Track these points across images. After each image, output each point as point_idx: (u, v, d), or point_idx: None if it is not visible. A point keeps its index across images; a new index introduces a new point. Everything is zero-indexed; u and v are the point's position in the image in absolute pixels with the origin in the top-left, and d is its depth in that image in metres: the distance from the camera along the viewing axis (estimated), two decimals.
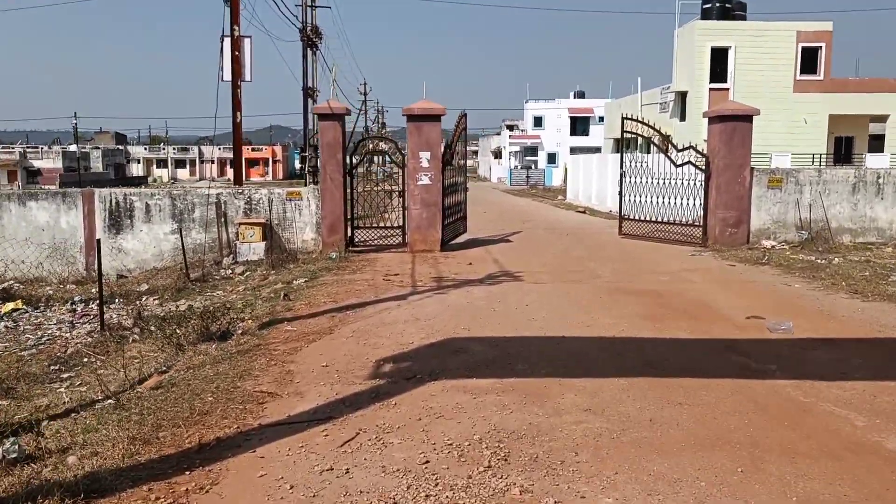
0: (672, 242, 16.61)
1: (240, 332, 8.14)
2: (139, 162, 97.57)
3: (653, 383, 5.97)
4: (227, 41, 15.52)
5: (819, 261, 13.58)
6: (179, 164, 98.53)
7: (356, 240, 15.78)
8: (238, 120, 15.77)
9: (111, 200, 15.19)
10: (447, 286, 11.19)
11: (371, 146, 15.65)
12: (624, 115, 18.08)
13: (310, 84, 26.90)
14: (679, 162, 16.49)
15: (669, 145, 16.79)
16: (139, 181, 70.20)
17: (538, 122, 67.20)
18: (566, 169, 47.06)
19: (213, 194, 15.32)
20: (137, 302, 12.41)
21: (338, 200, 15.10)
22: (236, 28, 15.58)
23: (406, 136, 15.52)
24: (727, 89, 28.79)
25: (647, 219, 17.54)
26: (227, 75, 15.61)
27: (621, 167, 17.97)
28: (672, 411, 5.33)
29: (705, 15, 30.71)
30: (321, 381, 6.15)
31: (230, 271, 14.37)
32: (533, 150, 66.35)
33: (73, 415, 6.08)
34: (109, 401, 5.86)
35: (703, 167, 16.09)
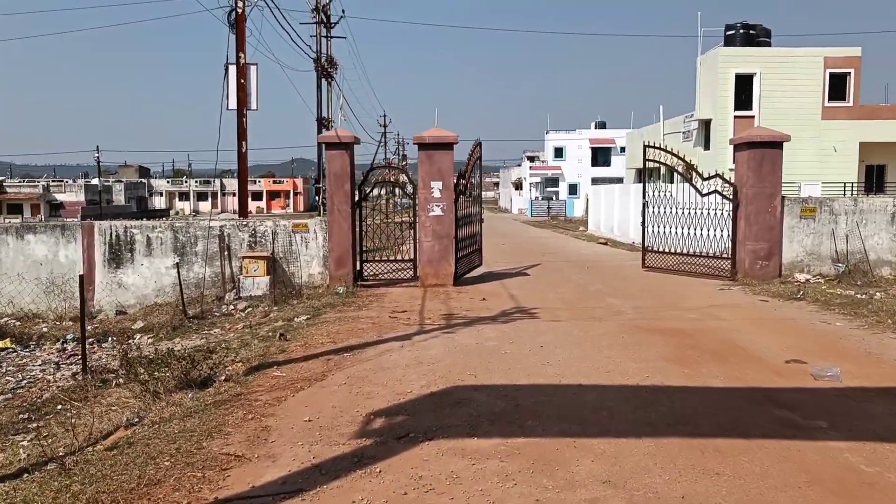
0: (699, 276, 15.71)
1: (223, 378, 7.39)
2: (161, 195, 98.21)
3: (684, 445, 5.11)
4: (233, 69, 15.00)
5: (859, 296, 12.61)
6: (201, 196, 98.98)
7: (365, 274, 15.05)
8: (244, 150, 15.19)
9: (111, 234, 14.62)
10: (457, 324, 10.39)
11: (381, 176, 15.00)
12: (646, 143, 17.29)
13: (325, 115, 26.47)
14: (705, 191, 15.64)
15: (694, 174, 15.96)
16: (161, 214, 70.38)
17: (559, 152, 66.55)
18: (587, 200, 46.29)
19: (217, 227, 14.71)
20: (131, 341, 11.75)
21: (345, 233, 14.41)
22: (242, 55, 15.07)
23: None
24: (752, 117, 27.93)
25: (672, 251, 16.67)
26: (233, 104, 15.08)
27: (644, 197, 17.15)
28: (708, 484, 4.47)
29: (729, 41, 29.97)
30: (300, 440, 5.37)
31: (232, 307, 13.69)
32: (554, 181, 65.61)
33: (26, 475, 5.37)
34: (55, 463, 5.10)
35: (731, 196, 15.24)
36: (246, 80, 15.21)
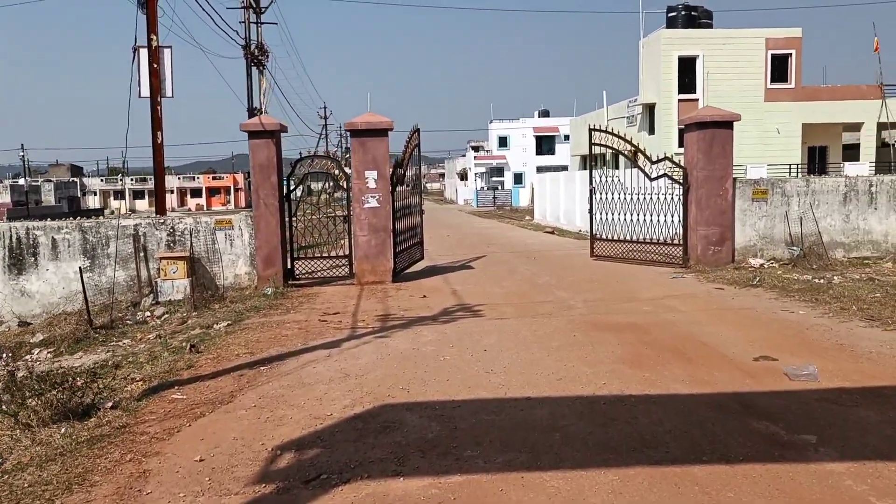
0: (650, 264, 15.01)
1: (109, 405, 6.25)
2: (95, 194, 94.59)
3: (655, 476, 4.22)
4: (144, 52, 13.67)
5: (817, 280, 12.01)
6: (138, 195, 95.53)
7: (297, 272, 13.91)
8: (159, 141, 13.87)
9: (11, 236, 13.19)
10: (393, 326, 9.40)
11: (312, 167, 13.87)
12: (591, 127, 16.53)
13: (256, 105, 25.06)
14: (654, 175, 14.94)
15: (642, 157, 15.23)
16: (94, 213, 67.45)
17: (503, 142, 65.95)
18: (533, 189, 45.69)
19: (130, 225, 13.39)
20: (28, 357, 10.44)
21: (273, 229, 13.26)
22: (154, 37, 13.75)
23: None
24: (696, 100, 27.52)
25: (622, 238, 15.95)
26: (145, 91, 13.74)
27: (591, 183, 16.39)
28: None
29: (671, 23, 29.52)
30: (184, 489, 4.31)
31: (148, 314, 12.43)
32: (499, 171, 65.02)
33: None
34: None
35: (681, 180, 14.56)
36: (159, 65, 13.90)
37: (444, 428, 5.23)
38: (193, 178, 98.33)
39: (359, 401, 6.00)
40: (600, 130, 16.16)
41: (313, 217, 14.39)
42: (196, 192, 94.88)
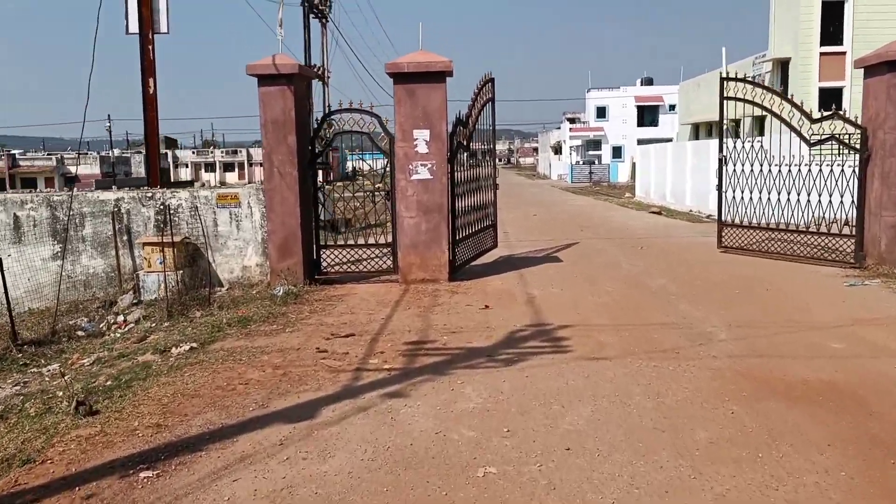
0: (803, 260, 10.92)
1: None
2: (187, 166, 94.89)
3: None
4: None
5: None
6: (228, 167, 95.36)
7: (325, 264, 10.53)
8: (151, 90, 10.69)
9: None
10: (421, 370, 5.85)
11: (344, 123, 10.38)
12: (724, 76, 12.40)
13: (316, 63, 21.78)
14: (815, 139, 10.74)
15: (798, 112, 11.04)
16: (184, 185, 66.78)
17: (601, 112, 60.85)
18: (634, 163, 41.07)
19: (111, 200, 10.31)
20: None
21: (291, 207, 9.89)
22: None
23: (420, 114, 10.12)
24: (843, 53, 22.51)
25: (760, 224, 11.87)
26: (134, 26, 10.54)
27: (721, 151, 12.32)
28: None
29: None
30: None
31: (122, 318, 9.33)
32: (596, 144, 60.14)
33: None
34: None
35: (858, 145, 10.34)
36: None
37: None
38: (236, 153, 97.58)
39: None
40: (737, 79, 12.03)
41: (345, 192, 10.85)
42: (229, 168, 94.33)
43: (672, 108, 56.09)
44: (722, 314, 7.68)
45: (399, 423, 4.65)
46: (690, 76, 36.50)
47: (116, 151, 76.10)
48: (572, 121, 69.14)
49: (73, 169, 68.03)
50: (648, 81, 62.92)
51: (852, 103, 18.94)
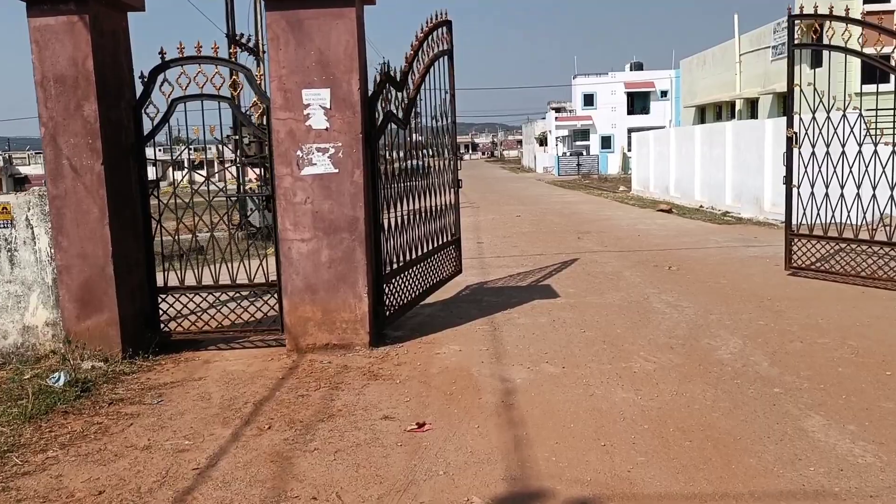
0: None
1: None
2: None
3: None
4: None
5: None
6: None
7: (165, 317, 6.30)
8: None
9: None
10: None
11: (190, 78, 6.11)
12: (792, 13, 8.41)
13: (243, 32, 17.51)
14: None
15: None
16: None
17: (589, 100, 56.77)
18: (625, 153, 37.17)
19: None
20: None
21: (95, 225, 5.72)
22: None
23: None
24: (892, 11, 18.56)
25: (843, 236, 7.89)
26: None
27: (790, 125, 8.30)
28: None
29: None
30: None
31: None
32: (584, 134, 56.10)
33: None
34: None
35: None
36: None
37: None
38: None
39: None
40: (812, 16, 8.03)
41: (186, 190, 6.48)
42: None
43: (664, 94, 52.30)
44: (878, 440, 3.57)
45: None
46: (685, 57, 32.51)
47: None
48: (558, 110, 65.16)
49: (22, 169, 63.63)
50: (638, 66, 59.00)
51: None
